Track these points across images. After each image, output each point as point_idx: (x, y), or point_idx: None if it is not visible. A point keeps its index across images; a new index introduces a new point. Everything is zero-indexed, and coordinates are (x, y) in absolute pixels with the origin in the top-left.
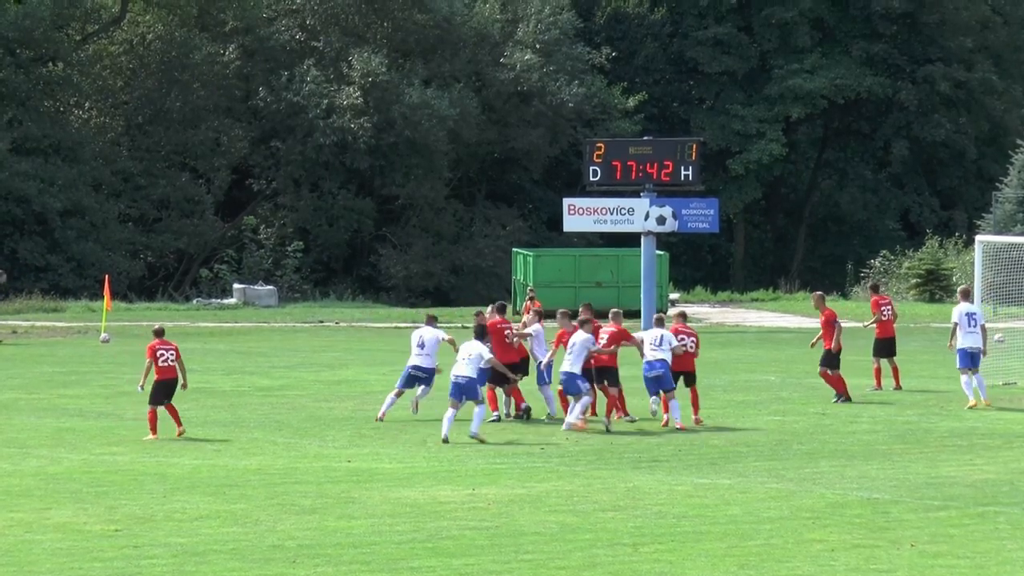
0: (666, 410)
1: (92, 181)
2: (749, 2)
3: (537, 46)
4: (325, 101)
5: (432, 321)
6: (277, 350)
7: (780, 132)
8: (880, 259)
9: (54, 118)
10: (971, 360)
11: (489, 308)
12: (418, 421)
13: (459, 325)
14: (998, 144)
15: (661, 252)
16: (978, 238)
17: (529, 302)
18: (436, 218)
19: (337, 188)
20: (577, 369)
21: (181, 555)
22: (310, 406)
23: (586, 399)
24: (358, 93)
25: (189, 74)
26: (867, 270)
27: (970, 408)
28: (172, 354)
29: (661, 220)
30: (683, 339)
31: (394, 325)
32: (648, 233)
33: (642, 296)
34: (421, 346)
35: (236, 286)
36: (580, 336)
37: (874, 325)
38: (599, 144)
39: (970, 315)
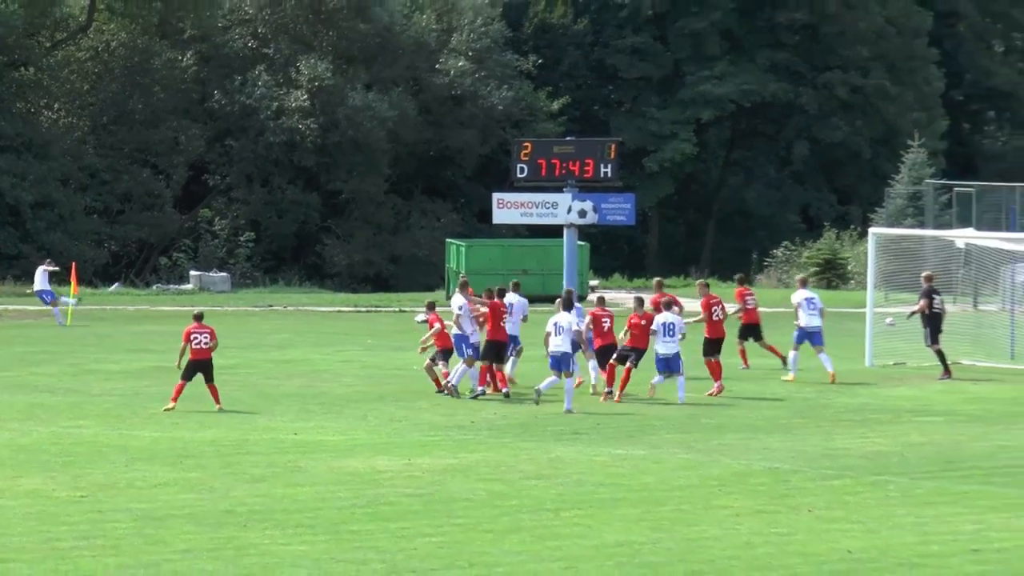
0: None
1: (61, 176)
2: (664, 14)
3: (470, 53)
4: (275, 103)
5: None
6: (230, 332)
7: (692, 133)
8: (782, 250)
9: (26, 118)
10: (810, 339)
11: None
12: (360, 399)
13: (396, 310)
14: (891, 145)
15: (582, 243)
16: (871, 230)
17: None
18: (377, 211)
19: (286, 183)
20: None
21: (141, 519)
22: (260, 383)
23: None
24: (305, 96)
25: (150, 78)
26: (770, 259)
27: (787, 381)
28: (207, 337)
29: (582, 213)
30: (606, 321)
31: (337, 309)
32: (570, 225)
33: (564, 283)
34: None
35: (192, 273)
36: (669, 317)
37: (740, 313)
38: (526, 144)
39: (809, 300)
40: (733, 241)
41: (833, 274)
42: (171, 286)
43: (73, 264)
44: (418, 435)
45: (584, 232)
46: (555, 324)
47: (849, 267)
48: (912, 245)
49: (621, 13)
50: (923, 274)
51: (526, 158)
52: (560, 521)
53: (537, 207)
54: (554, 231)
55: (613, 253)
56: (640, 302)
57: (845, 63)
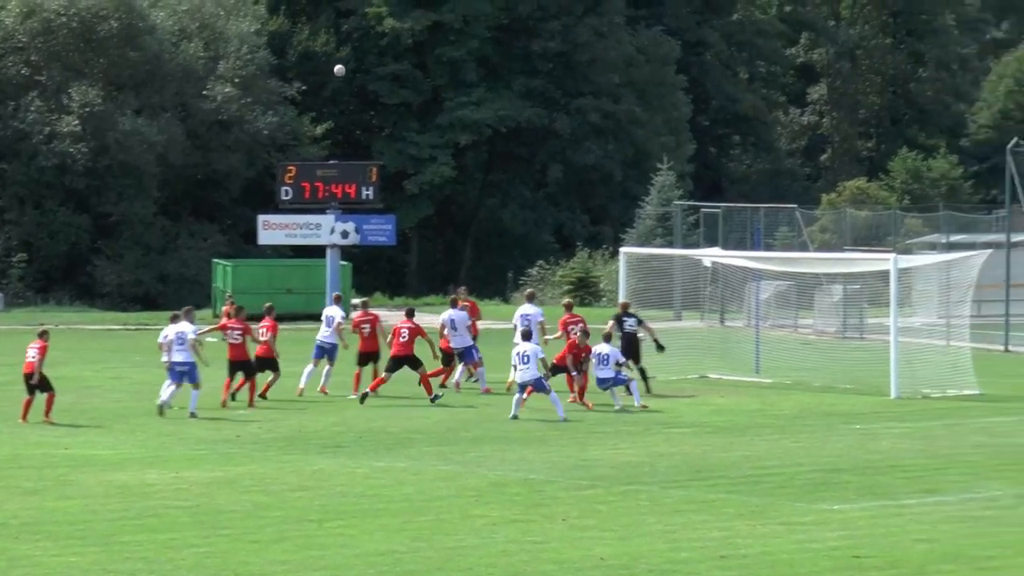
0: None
1: None
2: (424, 42)
3: (236, 80)
4: (47, 128)
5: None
6: (3, 351)
7: (450, 156)
8: (537, 268)
9: None
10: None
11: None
12: (129, 414)
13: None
14: (641, 167)
15: (345, 262)
16: (622, 250)
17: (228, 306)
18: (146, 232)
19: (57, 206)
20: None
21: None
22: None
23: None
24: (77, 121)
25: None
26: (526, 278)
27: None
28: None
29: (345, 234)
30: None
31: (107, 327)
32: (333, 246)
33: (327, 301)
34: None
35: None
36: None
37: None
38: (290, 167)
39: (524, 316)
40: (490, 260)
41: (586, 292)
42: None
43: None
44: (185, 449)
45: (347, 252)
46: (519, 354)
47: (601, 285)
48: (661, 264)
49: (382, 42)
50: (620, 301)
51: (290, 181)
52: (323, 531)
53: (301, 228)
54: (317, 251)
55: (375, 272)
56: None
57: (597, 89)
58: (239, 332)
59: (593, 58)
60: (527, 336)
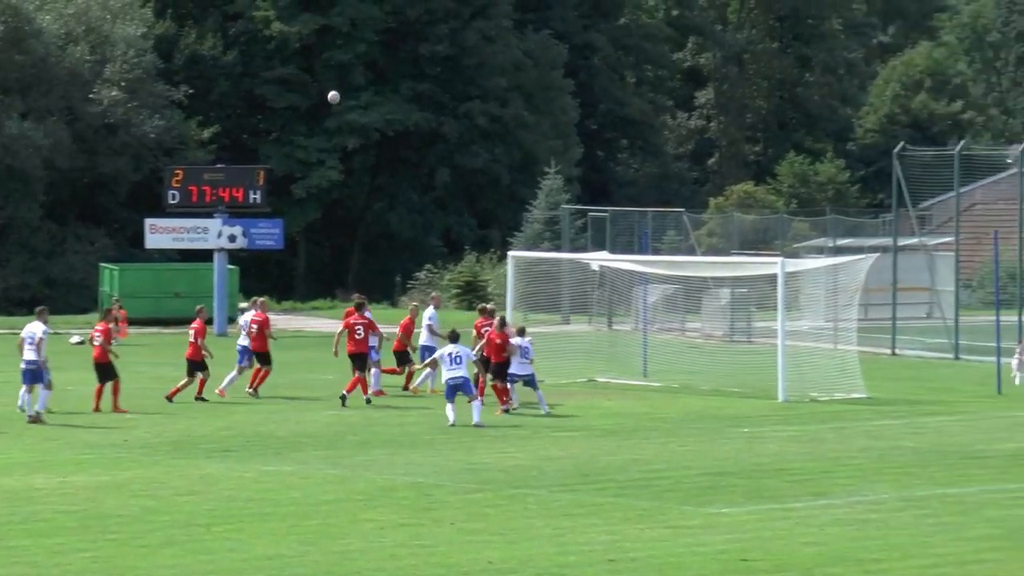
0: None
1: None
2: (311, 46)
3: (123, 84)
4: None
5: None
6: None
7: (338, 160)
8: (425, 272)
9: None
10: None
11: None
12: (17, 418)
13: (51, 332)
14: (529, 171)
15: (232, 266)
16: (511, 253)
17: (115, 309)
18: (32, 236)
19: None
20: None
21: None
22: None
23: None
24: None
25: None
26: (414, 282)
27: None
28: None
29: (232, 238)
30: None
31: None
32: (221, 249)
33: (215, 305)
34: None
35: None
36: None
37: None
38: (177, 171)
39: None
40: (378, 264)
41: (474, 295)
42: None
43: None
44: (72, 454)
45: (234, 256)
46: (450, 355)
47: (489, 289)
48: (549, 268)
49: (269, 45)
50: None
51: (178, 185)
52: (211, 536)
53: (188, 232)
54: (205, 255)
55: (262, 276)
56: (503, 321)
57: (485, 93)
58: (100, 333)
59: (481, 62)
60: (455, 338)
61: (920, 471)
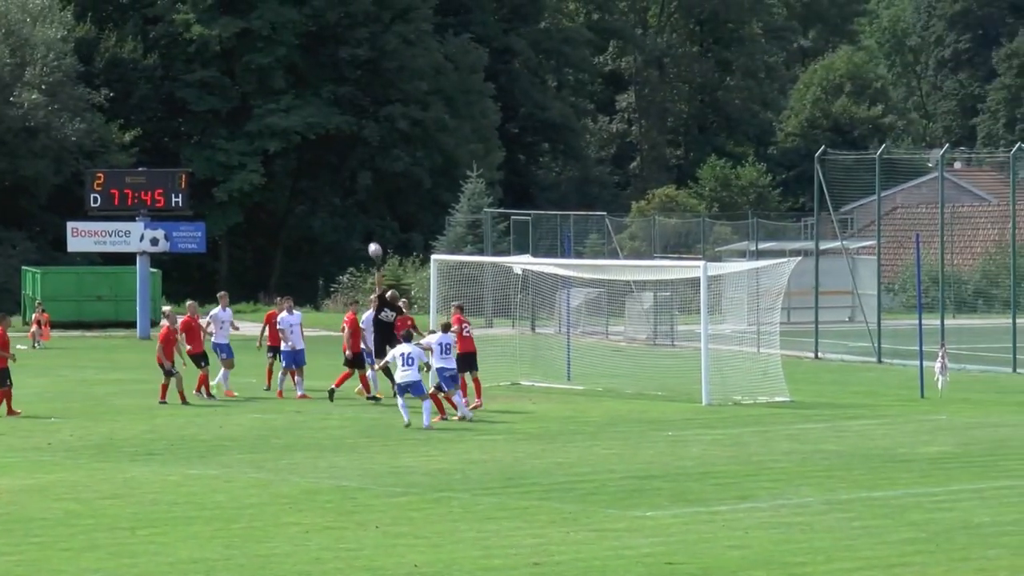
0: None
1: None
2: (232, 49)
3: (43, 87)
4: None
5: None
6: None
7: (259, 164)
8: (348, 275)
9: None
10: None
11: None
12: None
13: None
14: (450, 175)
15: (155, 269)
16: (433, 257)
17: (38, 313)
18: None
19: None
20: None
21: None
22: None
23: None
24: None
25: None
26: (337, 285)
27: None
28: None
29: (155, 241)
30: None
31: None
32: (143, 253)
33: (137, 308)
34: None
35: None
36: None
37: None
38: (99, 174)
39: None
40: (300, 267)
41: None
42: None
43: None
44: None
45: (156, 259)
46: (403, 355)
47: (413, 292)
48: (472, 271)
49: (190, 48)
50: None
51: (99, 188)
52: (135, 539)
53: (111, 235)
54: (127, 258)
55: (185, 279)
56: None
57: (405, 97)
58: None
59: (401, 65)
60: (408, 338)
61: (844, 474)
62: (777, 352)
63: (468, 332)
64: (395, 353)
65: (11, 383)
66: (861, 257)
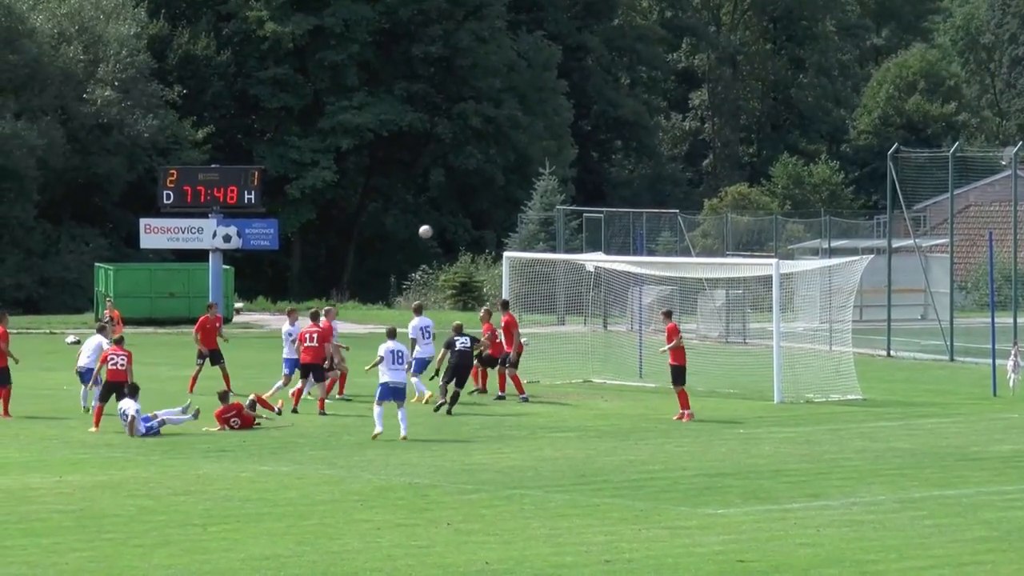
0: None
1: None
2: (305, 46)
3: (116, 84)
4: None
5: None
6: None
7: (332, 161)
8: (420, 273)
9: None
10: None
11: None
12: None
13: (47, 331)
14: (523, 172)
15: (227, 266)
16: (506, 254)
17: (109, 309)
18: (27, 236)
19: None
20: None
21: None
22: None
23: None
24: None
25: None
26: (409, 282)
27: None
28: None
29: (227, 238)
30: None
31: None
32: (215, 250)
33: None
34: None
35: None
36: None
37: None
38: (172, 171)
39: (424, 328)
40: (372, 264)
41: (469, 296)
42: None
43: None
44: (68, 453)
45: (229, 256)
46: (392, 351)
47: (484, 290)
48: (544, 268)
49: (263, 45)
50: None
51: (172, 185)
52: (207, 535)
53: (183, 232)
54: (200, 255)
55: (257, 276)
56: (505, 306)
57: (478, 94)
58: None
59: (474, 63)
60: (392, 334)
61: (916, 473)
62: (849, 350)
63: (499, 339)
64: (385, 349)
65: (11, 383)
66: (934, 255)
